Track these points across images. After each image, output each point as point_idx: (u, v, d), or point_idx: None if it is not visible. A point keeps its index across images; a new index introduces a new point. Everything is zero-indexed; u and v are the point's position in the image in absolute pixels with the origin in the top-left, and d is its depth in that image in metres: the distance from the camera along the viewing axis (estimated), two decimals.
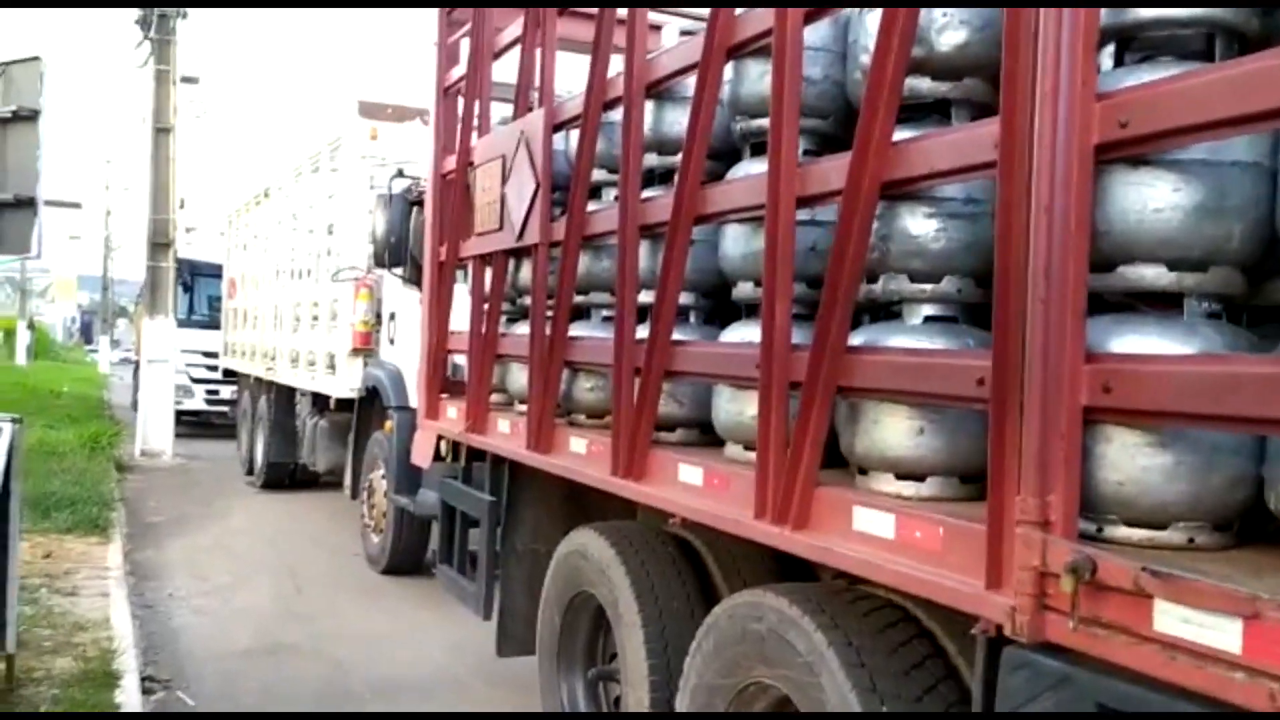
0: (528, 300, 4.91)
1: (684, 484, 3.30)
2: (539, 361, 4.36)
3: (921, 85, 2.62)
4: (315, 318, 10.57)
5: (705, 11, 3.28)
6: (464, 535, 5.54)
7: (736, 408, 3.17)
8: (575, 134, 4.36)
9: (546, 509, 4.99)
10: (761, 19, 2.99)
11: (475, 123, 5.32)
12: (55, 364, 39.28)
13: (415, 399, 7.89)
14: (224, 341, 16.14)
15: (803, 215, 2.84)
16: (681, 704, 3.35)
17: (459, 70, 5.68)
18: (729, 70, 3.26)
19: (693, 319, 3.75)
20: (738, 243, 3.21)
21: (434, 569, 5.91)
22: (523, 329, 4.86)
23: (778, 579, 3.78)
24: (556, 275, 4.34)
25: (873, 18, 2.65)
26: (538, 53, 4.59)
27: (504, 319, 5.04)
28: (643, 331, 3.60)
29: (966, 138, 2.34)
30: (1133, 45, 2.22)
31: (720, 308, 3.79)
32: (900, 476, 2.59)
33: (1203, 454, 2.00)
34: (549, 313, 4.33)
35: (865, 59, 2.62)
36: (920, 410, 2.53)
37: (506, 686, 5.57)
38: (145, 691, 5.28)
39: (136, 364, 21.83)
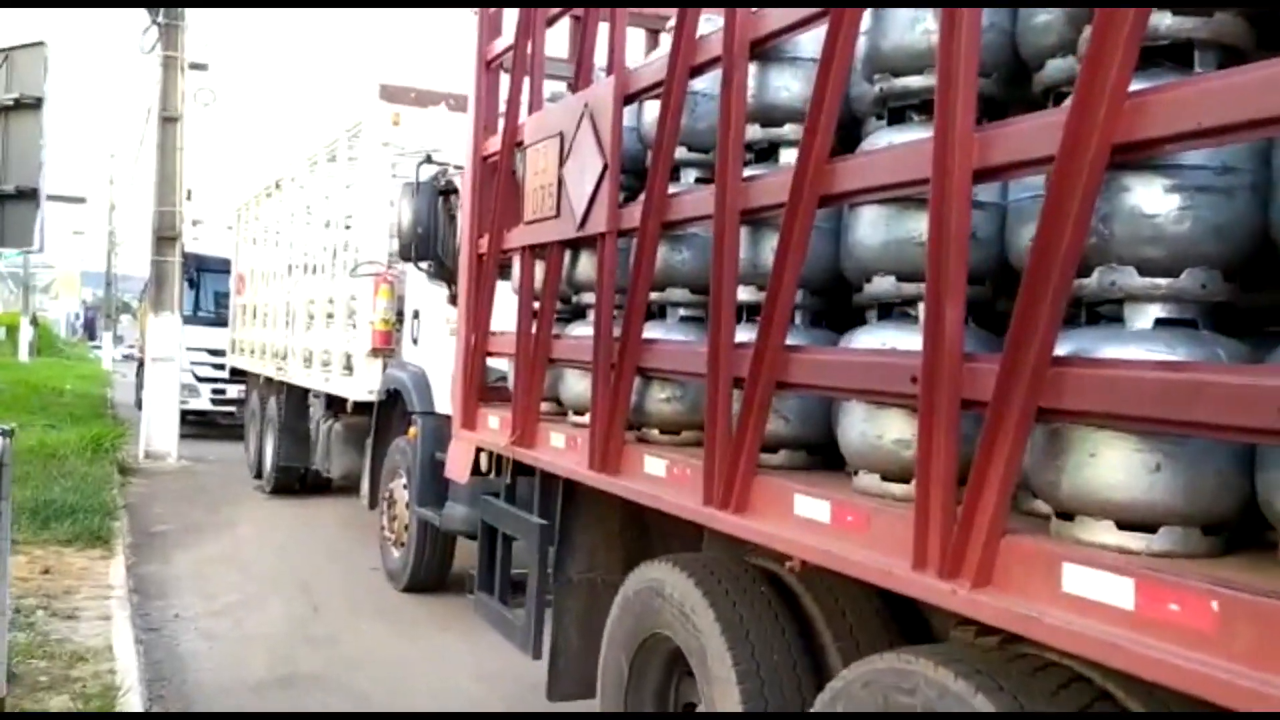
0: (587, 297, 4.37)
1: (803, 520, 2.73)
2: (604, 368, 3.80)
3: (1161, 23, 2.05)
4: (330, 315, 10.01)
5: None
6: (506, 559, 4.97)
7: (875, 429, 2.60)
8: (651, 106, 3.83)
9: (604, 533, 4.43)
10: None
11: (524, 99, 4.77)
12: (58, 360, 38.74)
13: (442, 404, 7.39)
14: (231, 339, 15.60)
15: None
16: None
17: (504, 41, 5.12)
18: (866, 19, 2.69)
19: (797, 320, 3.18)
20: (876, 228, 2.64)
21: (470, 594, 5.34)
22: (581, 330, 4.30)
23: (888, 626, 3.26)
24: (627, 268, 3.79)
25: None
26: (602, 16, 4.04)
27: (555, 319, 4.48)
28: (740, 335, 3.05)
29: (1249, 81, 1.76)
30: None
31: (831, 308, 3.24)
32: (1124, 526, 2.02)
33: None
34: (616, 312, 3.78)
35: None
36: (1155, 442, 1.97)
37: None
38: None
39: (140, 361, 21.33)
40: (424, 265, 7.26)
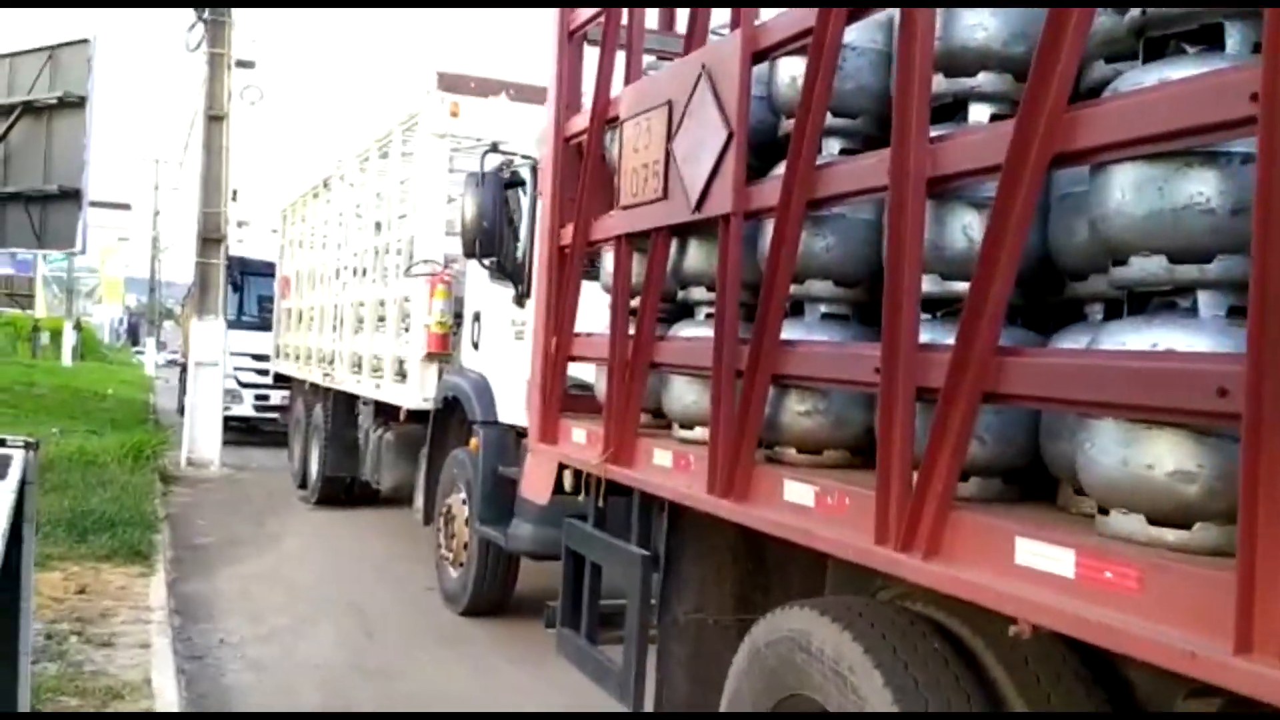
0: (695, 292, 3.78)
1: (1030, 571, 2.12)
2: (728, 375, 3.20)
3: None
4: (381, 319, 9.51)
5: None
6: (594, 592, 4.38)
7: (1141, 457, 1.98)
8: (788, 64, 3.25)
9: (715, 566, 3.84)
10: None
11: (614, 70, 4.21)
12: (101, 365, 38.75)
13: (506, 413, 6.83)
14: (275, 344, 15.19)
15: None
16: None
17: (588, 9, 4.55)
18: None
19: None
20: (1142, 195, 2.02)
21: (548, 626, 4.76)
22: (691, 330, 3.72)
23: (1091, 692, 2.66)
24: (760, 257, 3.20)
25: None
26: None
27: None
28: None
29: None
30: None
31: (1030, 302, 2.63)
32: None
33: None
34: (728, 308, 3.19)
35: None
36: None
37: None
38: None
39: (183, 366, 21.05)
40: (488, 262, 6.69)
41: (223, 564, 8.47)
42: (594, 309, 4.53)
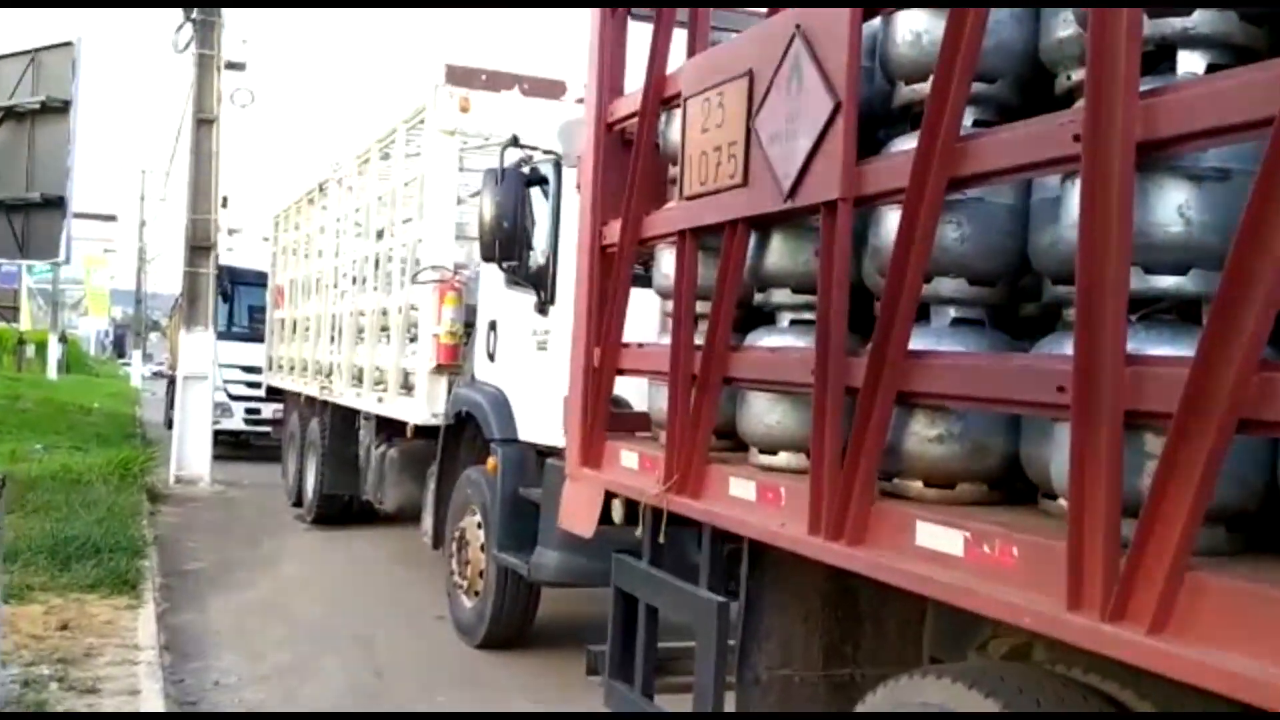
0: (780, 295, 3.26)
1: None
2: (834, 392, 2.68)
3: None
4: (384, 329, 8.97)
5: None
6: (650, 638, 3.84)
7: None
8: (909, 19, 2.73)
9: (803, 615, 3.30)
10: None
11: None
12: (87, 378, 38.01)
13: (526, 431, 6.30)
14: (267, 356, 14.63)
15: None
16: None
17: None
18: None
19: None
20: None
21: (592, 674, 4.23)
22: (776, 339, 3.20)
23: None
24: (873, 250, 2.69)
25: None
26: None
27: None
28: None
29: None
30: None
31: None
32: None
33: None
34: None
35: None
36: None
37: None
38: None
39: (170, 379, 20.43)
40: (508, 266, 6.14)
41: (216, 592, 7.90)
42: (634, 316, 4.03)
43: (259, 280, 16.11)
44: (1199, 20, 2.07)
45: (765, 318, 3.36)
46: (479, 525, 6.65)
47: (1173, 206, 1.99)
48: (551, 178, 6.07)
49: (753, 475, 3.15)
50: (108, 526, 8.52)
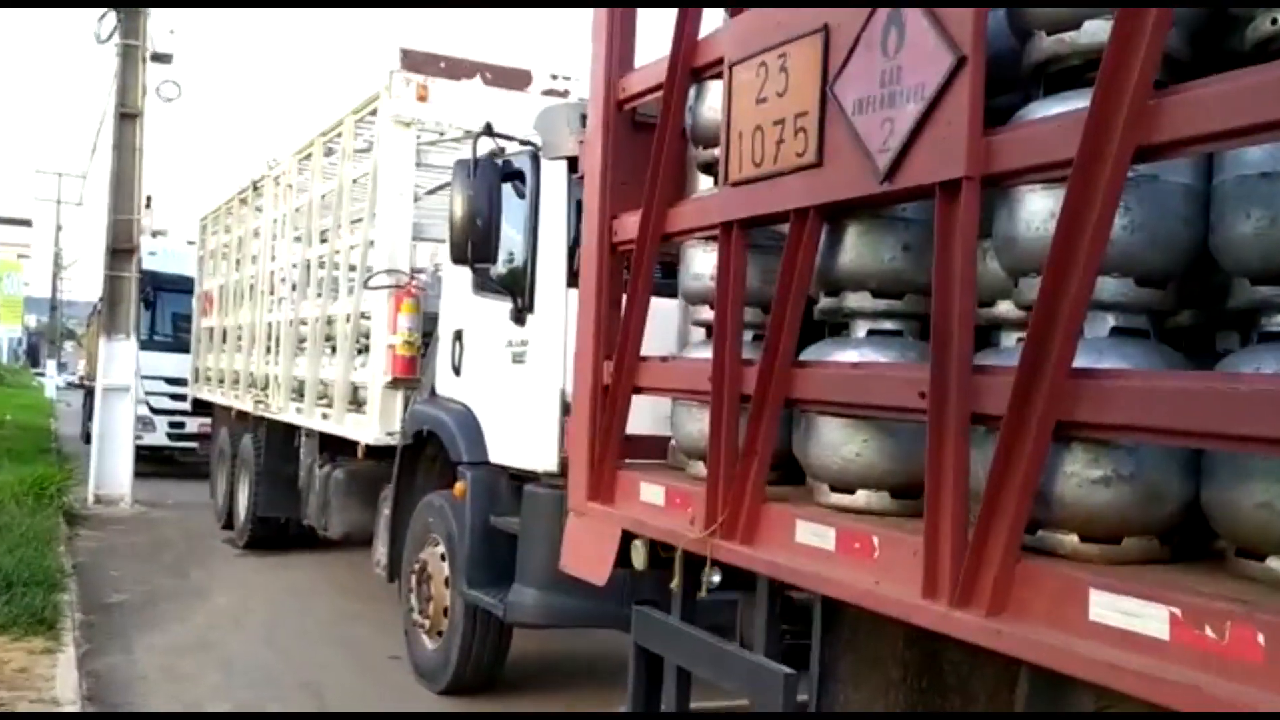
0: (856, 299, 2.71)
1: None
2: (959, 422, 2.13)
3: None
4: (329, 338, 8.25)
5: None
6: (682, 703, 3.24)
7: None
8: None
9: (883, 686, 2.74)
10: None
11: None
12: None
13: (498, 453, 5.67)
14: (194, 367, 13.76)
15: None
16: None
17: None
18: None
19: None
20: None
21: None
22: (852, 354, 2.64)
23: None
24: (1004, 243, 2.15)
25: None
26: None
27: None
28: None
29: None
30: None
31: None
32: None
33: None
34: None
35: None
36: None
37: None
38: None
39: (88, 391, 19.34)
40: (481, 269, 5.51)
41: (142, 629, 7.12)
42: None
43: (184, 286, 15.16)
44: None
45: (831, 328, 2.81)
46: (443, 557, 5.99)
47: None
48: (529, 171, 5.45)
49: (826, 518, 2.59)
50: (21, 555, 7.65)
